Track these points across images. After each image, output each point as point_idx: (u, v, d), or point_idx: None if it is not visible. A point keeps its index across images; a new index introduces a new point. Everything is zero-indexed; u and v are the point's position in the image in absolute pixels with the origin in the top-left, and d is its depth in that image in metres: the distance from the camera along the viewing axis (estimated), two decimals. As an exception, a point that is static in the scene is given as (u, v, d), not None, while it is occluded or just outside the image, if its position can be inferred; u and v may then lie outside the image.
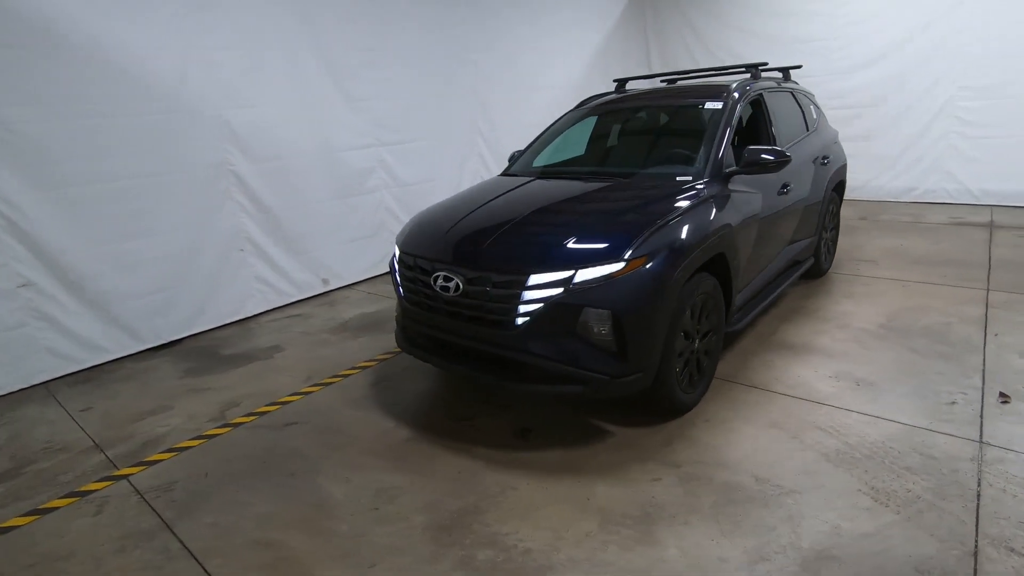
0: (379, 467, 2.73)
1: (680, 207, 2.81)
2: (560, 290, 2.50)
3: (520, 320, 2.56)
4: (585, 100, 4.37)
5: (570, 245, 2.60)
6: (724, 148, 3.24)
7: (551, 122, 4.23)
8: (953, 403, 2.90)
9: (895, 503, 2.23)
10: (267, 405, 3.40)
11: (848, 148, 5.23)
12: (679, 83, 4.89)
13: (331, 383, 3.63)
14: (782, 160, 3.14)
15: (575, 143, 4.12)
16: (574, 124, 4.18)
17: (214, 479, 2.72)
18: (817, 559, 2.00)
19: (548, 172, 3.79)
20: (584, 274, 2.49)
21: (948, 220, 6.49)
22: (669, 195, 2.94)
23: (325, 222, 5.45)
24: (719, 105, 3.50)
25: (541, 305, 2.51)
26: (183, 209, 4.49)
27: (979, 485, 2.30)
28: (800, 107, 4.46)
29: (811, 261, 4.50)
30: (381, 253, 5.96)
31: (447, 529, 2.28)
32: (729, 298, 3.13)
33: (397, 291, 3.16)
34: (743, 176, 3.27)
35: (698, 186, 3.04)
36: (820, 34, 7.69)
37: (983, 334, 3.62)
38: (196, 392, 3.65)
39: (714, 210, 2.93)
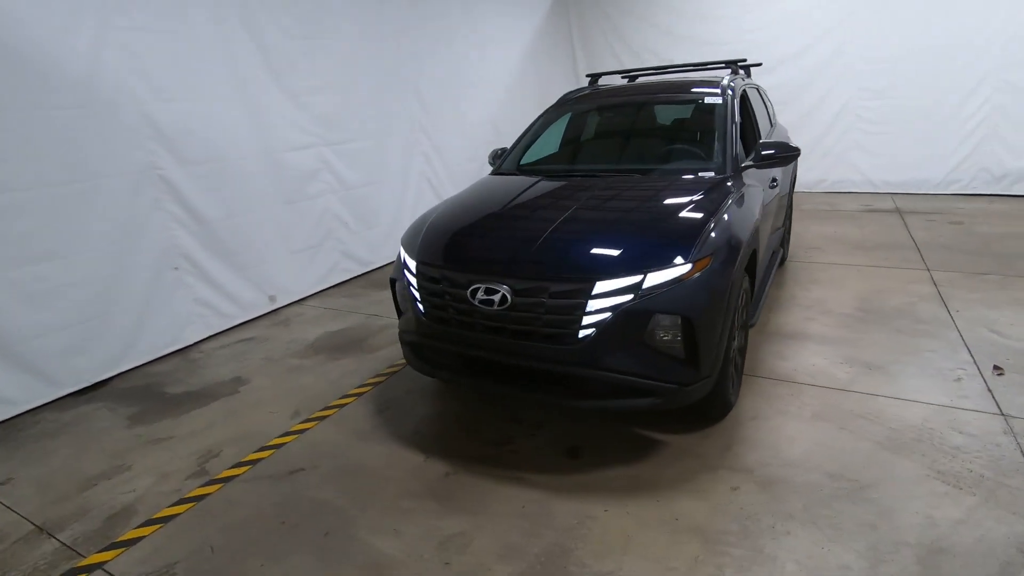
0: (428, 511, 2.38)
1: (721, 204, 2.72)
2: (630, 296, 2.31)
3: (584, 332, 2.34)
4: (566, 96, 4.20)
5: (634, 248, 2.42)
6: (737, 143, 3.23)
7: (483, 117, 3.97)
8: (959, 379, 3.09)
9: (966, 485, 2.30)
10: (256, 451, 2.89)
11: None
12: (640, 79, 4.87)
13: (326, 416, 3.17)
14: (794, 153, 3.18)
15: (568, 140, 3.94)
16: (559, 120, 4.00)
17: (226, 553, 2.23)
18: (929, 554, 1.99)
19: (554, 171, 3.58)
20: (653, 278, 2.32)
21: (861, 208, 7.12)
22: (704, 192, 2.85)
23: (269, 232, 4.83)
24: (719, 100, 3.49)
25: (609, 314, 2.31)
26: (103, 223, 3.74)
27: (1025, 457, 2.44)
28: (764, 103, 4.62)
29: (781, 250, 4.69)
30: (329, 264, 5.42)
31: (542, 576, 2.02)
32: (753, 293, 3.13)
33: (414, 308, 2.79)
34: (751, 170, 3.28)
35: (725, 182, 2.99)
36: (729, 38, 8.06)
37: (946, 311, 3.94)
38: (156, 444, 3.03)
39: (747, 205, 2.90)
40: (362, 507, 2.42)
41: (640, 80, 4.83)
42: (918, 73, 7.26)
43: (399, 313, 3.14)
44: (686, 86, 3.89)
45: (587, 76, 4.56)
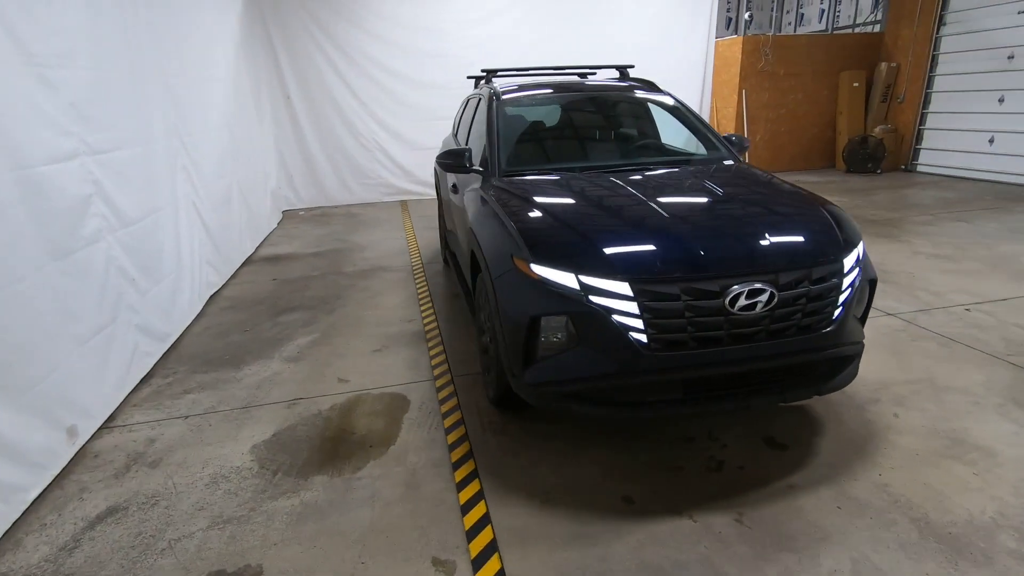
0: (791, 563, 1.93)
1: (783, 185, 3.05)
2: (857, 270, 2.40)
3: (836, 312, 2.32)
4: (500, 93, 3.67)
5: (840, 225, 2.47)
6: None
7: (222, 121, 3.11)
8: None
9: (965, 358, 3.33)
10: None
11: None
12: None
13: (485, 544, 2.08)
14: (747, 145, 3.76)
15: (551, 136, 3.53)
16: (516, 119, 3.58)
17: None
18: (1035, 398, 2.86)
19: (577, 167, 3.19)
20: (859, 250, 2.48)
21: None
22: (765, 173, 3.10)
23: (43, 311, 2.63)
24: (670, 100, 3.78)
25: (851, 290, 2.35)
26: None
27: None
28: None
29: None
30: (128, 349, 3.32)
31: (958, 547, 1.97)
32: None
33: (622, 341, 2.11)
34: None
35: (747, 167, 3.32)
36: (452, 51, 8.32)
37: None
38: None
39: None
40: (749, 606, 1.79)
41: (565, 78, 4.42)
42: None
43: (529, 361, 2.31)
44: (630, 87, 3.98)
45: (483, 71, 4.10)
